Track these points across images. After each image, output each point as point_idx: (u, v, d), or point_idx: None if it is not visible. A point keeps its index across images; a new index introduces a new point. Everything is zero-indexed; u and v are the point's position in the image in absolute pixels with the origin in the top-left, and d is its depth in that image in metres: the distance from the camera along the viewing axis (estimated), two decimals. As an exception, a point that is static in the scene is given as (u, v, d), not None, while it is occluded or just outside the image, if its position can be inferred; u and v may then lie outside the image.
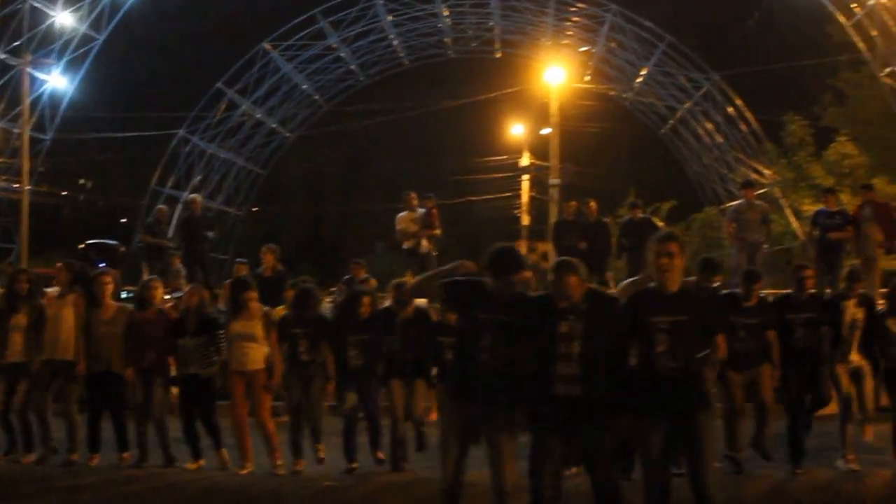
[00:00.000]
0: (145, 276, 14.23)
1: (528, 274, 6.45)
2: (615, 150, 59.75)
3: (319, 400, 10.69)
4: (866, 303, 10.23)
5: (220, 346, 10.47)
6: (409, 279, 16.81)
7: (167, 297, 13.11)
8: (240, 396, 10.37)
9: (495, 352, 6.30)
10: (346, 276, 16.68)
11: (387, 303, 11.16)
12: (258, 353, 10.34)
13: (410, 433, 10.57)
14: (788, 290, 10.43)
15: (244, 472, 10.28)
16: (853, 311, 10.09)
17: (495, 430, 6.30)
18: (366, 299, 10.75)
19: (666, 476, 6.21)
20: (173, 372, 10.96)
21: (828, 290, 15.06)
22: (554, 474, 6.17)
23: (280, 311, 12.44)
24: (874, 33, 32.39)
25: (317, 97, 46.83)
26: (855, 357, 10.12)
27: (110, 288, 11.07)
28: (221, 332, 10.48)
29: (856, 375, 10.19)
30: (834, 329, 10.10)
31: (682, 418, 6.19)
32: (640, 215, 16.92)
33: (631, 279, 11.01)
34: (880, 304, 10.63)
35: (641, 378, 6.29)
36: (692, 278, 9.23)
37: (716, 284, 9.89)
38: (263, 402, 10.43)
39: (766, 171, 39.95)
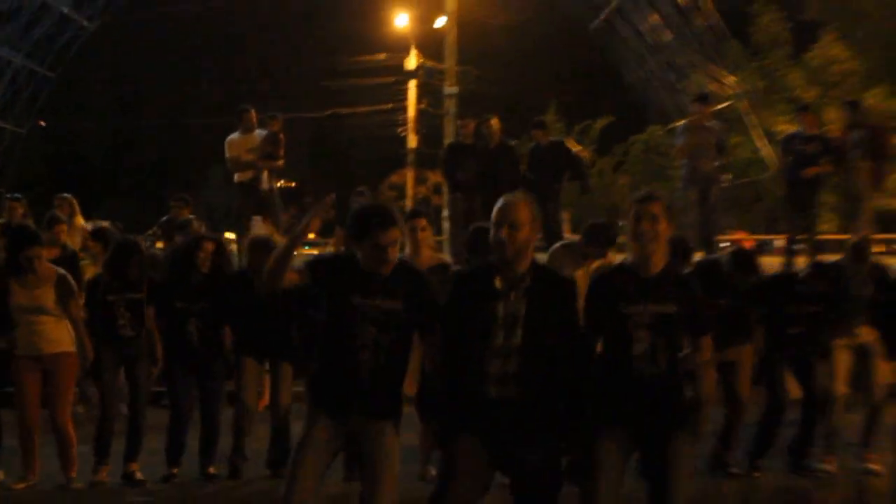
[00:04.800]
0: None
1: (397, 233, 6.25)
2: (532, 51, 60.18)
3: (145, 388, 10.40)
4: (877, 273, 10.53)
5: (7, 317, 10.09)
6: (264, 227, 16.68)
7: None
8: (31, 391, 10.05)
9: (377, 349, 6.15)
10: (165, 218, 16.28)
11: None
12: (57, 332, 9.84)
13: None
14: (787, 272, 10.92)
15: (22, 486, 10.01)
16: (864, 285, 10.37)
17: (376, 443, 6.16)
18: (206, 245, 10.32)
19: (618, 496, 6.17)
20: None
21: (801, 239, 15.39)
22: (467, 497, 6.09)
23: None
24: None
25: (127, -29, 45.98)
26: (865, 333, 10.42)
27: None
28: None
29: (862, 354, 10.50)
30: (837, 302, 10.36)
31: (654, 439, 6.16)
32: (550, 139, 16.85)
33: (563, 242, 11.05)
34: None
35: (607, 384, 6.20)
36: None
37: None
38: (66, 398, 10.06)
39: (729, 80, 40.52)
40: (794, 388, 10.57)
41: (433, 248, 9.47)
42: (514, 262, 6.03)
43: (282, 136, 16.49)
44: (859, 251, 10.58)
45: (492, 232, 6.07)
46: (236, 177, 16.39)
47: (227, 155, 16.34)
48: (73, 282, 9.99)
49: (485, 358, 5.99)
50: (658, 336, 6.12)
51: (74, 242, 13.47)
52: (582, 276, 8.79)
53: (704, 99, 17.28)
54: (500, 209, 6.05)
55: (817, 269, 10.50)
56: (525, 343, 5.99)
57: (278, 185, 17.00)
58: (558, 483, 6.07)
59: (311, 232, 6.52)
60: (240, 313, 10.12)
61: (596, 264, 9.44)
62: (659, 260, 6.20)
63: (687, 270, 9.49)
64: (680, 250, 9.75)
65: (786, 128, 28.00)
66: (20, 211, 15.19)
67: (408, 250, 9.33)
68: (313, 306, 6.97)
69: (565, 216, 17.29)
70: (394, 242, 6.14)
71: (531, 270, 6.11)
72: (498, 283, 6.04)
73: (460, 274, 6.45)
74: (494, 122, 16.15)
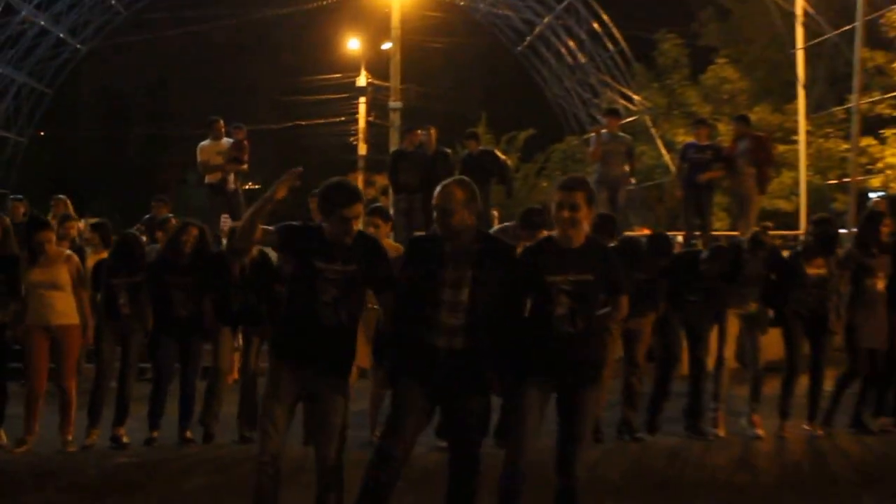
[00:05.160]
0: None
1: (360, 208, 6.21)
2: (465, 71, 60.12)
3: (136, 362, 10.42)
4: (771, 254, 10.75)
5: (19, 290, 9.94)
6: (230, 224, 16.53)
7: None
8: (41, 357, 9.92)
9: (336, 306, 6.15)
10: (147, 216, 16.39)
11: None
12: (65, 305, 9.92)
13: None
14: (691, 251, 11.40)
15: (21, 450, 9.84)
16: (757, 265, 10.53)
17: (330, 396, 6.17)
18: (193, 231, 10.32)
19: (534, 443, 6.12)
20: None
21: (697, 236, 15.42)
22: (410, 433, 6.03)
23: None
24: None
25: (113, 2, 45.25)
26: (753, 305, 10.60)
27: None
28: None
29: (749, 324, 10.69)
30: (732, 277, 10.49)
31: (567, 388, 6.17)
32: (481, 148, 16.81)
33: (500, 226, 11.07)
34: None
35: (534, 339, 6.19)
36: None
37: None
38: (72, 366, 10.08)
39: (635, 97, 40.58)
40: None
41: (390, 239, 9.48)
42: (458, 234, 6.06)
43: (246, 143, 16.41)
44: (756, 241, 10.65)
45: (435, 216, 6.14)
46: (206, 178, 16.26)
47: (199, 159, 16.23)
48: (80, 263, 10.26)
49: (435, 312, 6.00)
50: (577, 300, 6.11)
51: (67, 232, 13.39)
52: None
53: (614, 113, 17.35)
54: (438, 194, 6.12)
55: (717, 251, 10.56)
56: (471, 300, 6.00)
57: (244, 186, 16.86)
58: (487, 424, 6.18)
59: (280, 195, 6.44)
60: (217, 288, 10.16)
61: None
62: (579, 235, 6.19)
63: (611, 244, 9.46)
64: (607, 228, 9.76)
65: (684, 138, 28.02)
66: (21, 210, 15.15)
67: None
68: (279, 282, 6.95)
69: (494, 214, 17.22)
70: (357, 216, 6.21)
71: (478, 240, 6.16)
72: (446, 248, 6.06)
73: (414, 240, 6.40)
74: (433, 132, 16.13)
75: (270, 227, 6.34)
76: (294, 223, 6.52)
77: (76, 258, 10.23)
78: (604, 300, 6.40)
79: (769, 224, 14.33)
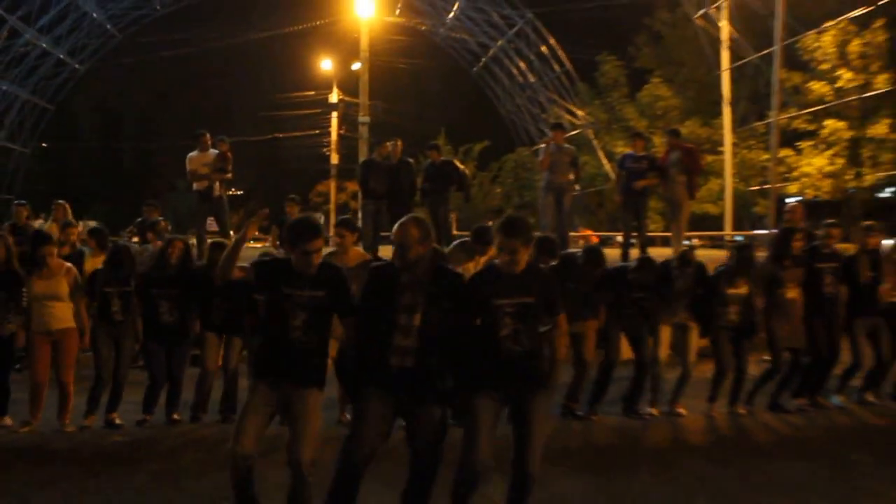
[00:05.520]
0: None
1: (320, 243, 6.22)
2: (427, 88, 60.11)
3: (128, 360, 10.30)
4: (697, 271, 10.83)
5: (20, 303, 9.88)
6: (214, 226, 16.50)
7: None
8: (44, 359, 9.88)
9: (306, 329, 6.15)
10: (139, 219, 16.25)
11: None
12: (64, 312, 9.85)
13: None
14: (626, 266, 11.09)
15: (25, 429, 9.79)
16: (685, 281, 10.69)
17: (304, 407, 6.13)
18: (178, 244, 10.31)
19: (489, 447, 6.08)
20: None
21: (634, 237, 15.47)
22: (370, 440, 6.01)
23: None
24: (688, -26, 33.32)
25: (109, 26, 44.96)
26: (683, 316, 10.70)
27: None
28: (24, 288, 9.90)
29: (681, 331, 10.77)
30: (663, 293, 10.67)
31: (518, 398, 6.13)
32: (440, 158, 16.78)
33: (459, 241, 11.08)
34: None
35: (483, 357, 6.15)
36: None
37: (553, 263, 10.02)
38: (70, 364, 9.98)
39: (579, 112, 40.74)
40: (626, 351, 10.72)
41: (357, 246, 9.49)
42: (413, 266, 6.04)
43: (230, 154, 16.32)
44: (684, 258, 10.81)
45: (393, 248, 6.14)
46: (194, 186, 16.17)
47: (188, 168, 16.12)
48: (78, 274, 10.15)
49: (390, 335, 5.99)
50: (520, 321, 6.10)
51: (68, 238, 13.23)
52: (473, 267, 8.96)
53: (560, 126, 17.32)
54: (396, 231, 6.09)
55: (643, 262, 10.71)
56: (422, 324, 5.98)
57: (227, 193, 16.78)
58: (444, 432, 6.08)
59: (250, 234, 6.69)
60: (203, 298, 10.16)
61: (484, 259, 9.59)
62: (521, 263, 6.16)
63: (553, 263, 9.61)
64: (547, 249, 9.87)
65: (622, 150, 28.14)
66: (25, 213, 14.99)
67: (339, 249, 9.51)
68: (258, 292, 6.86)
69: (453, 216, 17.22)
70: (318, 250, 6.17)
71: (431, 271, 6.12)
72: (402, 278, 6.03)
73: (373, 269, 6.36)
74: (399, 143, 16.09)
75: (246, 265, 6.51)
76: (265, 259, 6.65)
77: (74, 270, 10.14)
78: (545, 320, 6.37)
79: (696, 243, 14.45)
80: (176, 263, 10.19)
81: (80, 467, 8.43)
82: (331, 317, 6.33)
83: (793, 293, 10.72)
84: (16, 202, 16.19)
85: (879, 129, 32.05)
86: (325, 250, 6.94)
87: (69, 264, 10.24)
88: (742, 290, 10.53)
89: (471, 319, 6.23)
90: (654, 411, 10.61)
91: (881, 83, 31.61)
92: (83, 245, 12.92)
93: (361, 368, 6.14)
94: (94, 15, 43.43)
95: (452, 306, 6.10)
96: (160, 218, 15.08)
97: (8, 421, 10.03)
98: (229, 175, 16.37)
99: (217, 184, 15.98)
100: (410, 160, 16.19)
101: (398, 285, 6.06)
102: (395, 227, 6.13)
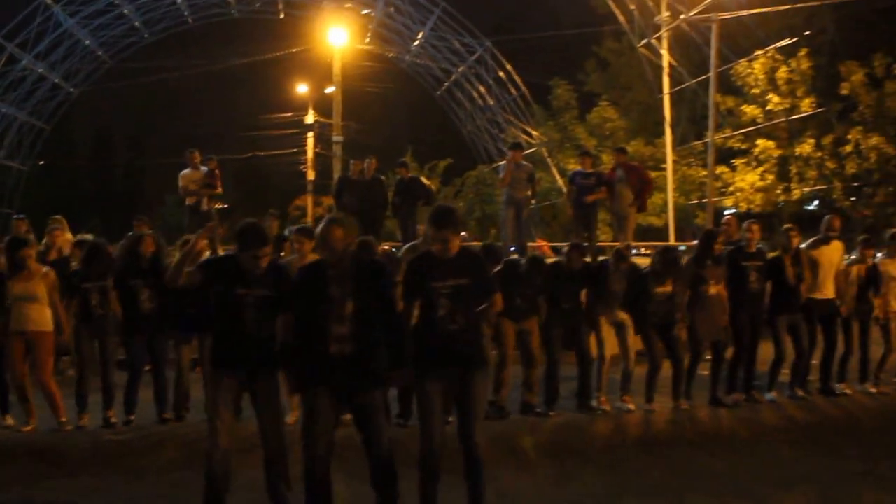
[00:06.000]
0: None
1: (267, 250, 6.25)
2: (395, 110, 60.16)
3: (113, 355, 10.24)
4: (631, 271, 10.94)
5: (4, 304, 9.78)
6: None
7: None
8: (18, 357, 9.76)
9: (258, 323, 6.19)
10: (130, 233, 15.99)
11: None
12: (40, 314, 9.73)
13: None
14: (559, 259, 11.16)
15: (27, 428, 9.71)
16: (621, 279, 10.82)
17: (265, 390, 6.23)
18: (147, 239, 10.33)
19: (441, 426, 6.15)
20: None
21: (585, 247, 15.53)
22: (326, 432, 6.01)
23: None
24: (632, 7, 33.47)
25: (100, 53, 44.61)
26: (621, 314, 10.86)
27: None
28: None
29: (619, 328, 10.91)
30: (599, 291, 10.86)
31: (459, 375, 6.17)
32: (409, 175, 16.82)
33: (412, 244, 11.18)
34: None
35: (424, 336, 6.21)
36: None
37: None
38: (46, 364, 9.86)
39: (534, 132, 40.81)
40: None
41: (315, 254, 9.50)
42: (339, 261, 6.09)
43: (217, 171, 16.36)
44: (618, 254, 10.93)
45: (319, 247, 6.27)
46: (186, 201, 16.21)
47: (180, 184, 16.16)
48: (55, 278, 10.00)
49: (326, 324, 6.00)
50: (456, 302, 6.16)
51: (66, 248, 13.14)
52: None
53: (518, 146, 17.40)
54: (320, 232, 6.18)
55: (570, 255, 10.89)
56: (354, 312, 6.00)
57: (216, 206, 16.75)
58: (386, 412, 6.25)
59: (200, 245, 6.79)
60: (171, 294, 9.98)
61: None
62: (453, 249, 6.22)
63: (497, 269, 9.96)
64: (492, 256, 10.05)
65: (573, 167, 28.22)
66: (23, 227, 14.87)
67: (298, 255, 9.62)
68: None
69: (421, 228, 17.22)
70: (265, 255, 6.25)
71: (356, 264, 6.21)
72: (329, 272, 6.08)
73: (303, 268, 6.43)
74: (372, 162, 16.13)
75: (192, 269, 6.41)
76: (212, 258, 6.74)
77: (53, 274, 10.03)
78: (478, 301, 6.42)
79: (630, 243, 14.57)
80: (149, 257, 10.16)
81: (71, 467, 8.39)
82: (276, 310, 6.31)
83: (715, 290, 10.89)
84: (15, 216, 16.10)
85: (805, 147, 32.48)
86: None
87: (47, 268, 10.14)
88: (668, 288, 10.69)
89: (409, 302, 6.32)
90: (604, 406, 10.69)
91: (806, 106, 32.06)
92: (73, 257, 12.80)
93: (303, 360, 6.14)
94: (87, 42, 43.01)
95: (378, 292, 6.15)
96: (150, 231, 15.04)
97: (9, 420, 9.95)
98: (218, 190, 16.43)
99: (205, 199, 16.01)
100: (382, 178, 16.24)
101: (327, 279, 6.08)
102: (321, 226, 6.22)
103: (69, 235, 14.79)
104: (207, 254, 6.94)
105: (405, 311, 6.32)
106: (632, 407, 10.66)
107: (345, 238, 6.12)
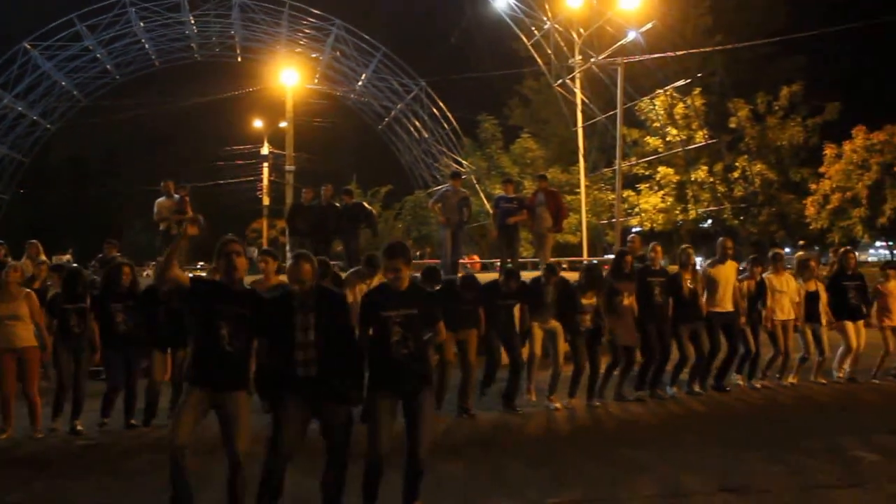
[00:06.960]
0: None
1: (244, 262, 6.19)
2: (341, 142, 59.96)
3: (86, 369, 10.08)
4: (561, 284, 11.00)
5: None
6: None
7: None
8: (9, 373, 9.60)
9: (233, 339, 5.99)
10: (100, 255, 16.02)
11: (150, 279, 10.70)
12: (26, 331, 9.60)
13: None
14: (497, 280, 11.01)
15: (3, 436, 9.51)
16: (552, 292, 10.90)
17: (234, 405, 5.99)
18: (126, 269, 10.20)
19: (388, 436, 6.11)
20: None
21: (509, 262, 15.62)
22: (291, 441, 5.98)
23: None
24: (549, 52, 33.94)
25: (75, 93, 44.00)
26: (553, 322, 10.90)
27: None
28: None
29: (551, 335, 10.95)
30: (535, 304, 10.88)
31: (409, 395, 6.17)
32: (352, 200, 16.72)
33: (354, 269, 11.12)
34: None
35: (378, 361, 6.20)
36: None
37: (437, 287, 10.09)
38: (34, 378, 9.72)
39: (464, 162, 41.04)
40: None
41: (275, 273, 9.39)
42: (307, 292, 6.09)
43: (187, 199, 16.30)
44: (549, 267, 11.05)
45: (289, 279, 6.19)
46: (160, 226, 16.21)
47: (155, 210, 16.15)
48: (37, 299, 9.90)
49: (292, 350, 5.98)
50: (406, 329, 6.16)
51: (40, 273, 12.72)
52: (366, 288, 8.95)
53: (457, 175, 17.33)
54: (290, 267, 6.13)
55: (508, 273, 10.93)
56: (317, 339, 5.99)
57: (183, 229, 16.59)
58: (351, 427, 6.12)
59: (191, 231, 6.61)
60: (148, 315, 10.08)
61: (373, 281, 9.91)
62: (404, 280, 6.26)
63: (437, 287, 9.90)
64: (433, 276, 10.04)
65: (498, 192, 28.49)
66: (2, 252, 14.42)
67: (264, 274, 9.40)
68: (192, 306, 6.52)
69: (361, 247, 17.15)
70: (238, 253, 6.14)
71: (318, 294, 6.15)
72: (295, 302, 6.05)
73: (271, 301, 6.27)
74: (327, 189, 16.00)
75: (188, 275, 6.29)
76: (202, 277, 6.36)
77: (34, 295, 9.87)
78: (426, 329, 6.46)
79: (562, 260, 14.71)
80: (127, 284, 10.11)
81: (50, 469, 8.27)
82: (252, 331, 6.16)
83: (628, 301, 11.12)
84: (-5, 243, 15.72)
85: (700, 174, 33.25)
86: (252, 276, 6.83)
87: (28, 290, 10.00)
88: (592, 300, 10.88)
89: (364, 330, 6.29)
90: (530, 405, 10.74)
91: (700, 138, 32.87)
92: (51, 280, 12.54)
93: (278, 379, 6.12)
94: (63, 83, 42.49)
95: (338, 321, 6.13)
96: (118, 254, 14.97)
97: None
98: (190, 215, 16.25)
99: (174, 224, 15.95)
100: (336, 204, 16.13)
101: (293, 308, 6.06)
102: (291, 262, 6.15)
103: (44, 258, 14.51)
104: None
105: (361, 336, 6.29)
106: (558, 405, 10.72)
107: (311, 272, 6.11)
